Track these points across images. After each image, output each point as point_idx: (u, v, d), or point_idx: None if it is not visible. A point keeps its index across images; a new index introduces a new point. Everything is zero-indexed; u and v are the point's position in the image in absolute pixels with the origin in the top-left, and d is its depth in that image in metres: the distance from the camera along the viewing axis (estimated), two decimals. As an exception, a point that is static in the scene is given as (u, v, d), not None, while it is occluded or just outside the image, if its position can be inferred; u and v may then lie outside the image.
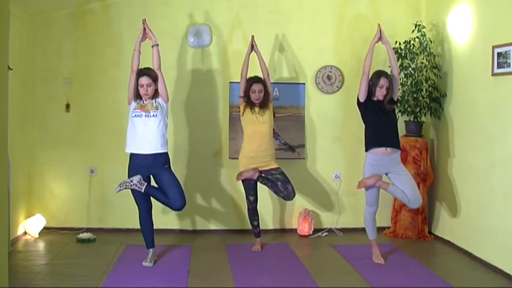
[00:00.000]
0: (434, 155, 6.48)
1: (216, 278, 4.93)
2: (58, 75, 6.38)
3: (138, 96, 5.21)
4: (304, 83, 6.62)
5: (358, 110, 5.50)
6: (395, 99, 5.50)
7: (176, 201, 5.18)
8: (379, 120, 5.36)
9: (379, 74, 5.39)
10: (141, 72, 5.18)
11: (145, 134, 5.13)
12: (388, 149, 5.30)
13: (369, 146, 5.38)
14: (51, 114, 6.42)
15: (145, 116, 5.14)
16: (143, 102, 5.19)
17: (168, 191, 5.19)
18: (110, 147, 6.39)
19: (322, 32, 6.63)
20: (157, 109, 5.18)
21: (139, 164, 5.18)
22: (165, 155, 5.28)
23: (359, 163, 5.74)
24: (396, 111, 5.95)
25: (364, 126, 5.50)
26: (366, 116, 5.45)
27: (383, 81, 5.31)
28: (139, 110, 5.16)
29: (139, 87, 5.17)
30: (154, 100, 5.22)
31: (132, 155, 5.24)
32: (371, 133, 5.40)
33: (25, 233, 6.16)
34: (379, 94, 5.34)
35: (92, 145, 6.46)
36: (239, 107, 5.87)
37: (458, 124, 5.93)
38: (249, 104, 5.73)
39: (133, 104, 5.21)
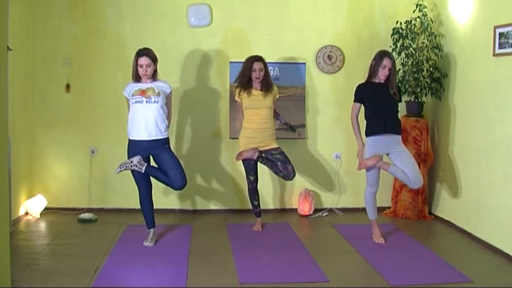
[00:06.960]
0: (435, 135, 6.48)
1: (217, 257, 4.95)
2: (58, 56, 6.34)
3: (137, 76, 5.20)
4: (304, 63, 6.59)
5: None
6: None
7: (177, 181, 5.18)
8: (379, 106, 5.31)
9: (383, 54, 5.33)
10: (141, 53, 5.16)
11: (146, 120, 5.11)
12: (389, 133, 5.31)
13: (369, 133, 5.35)
14: (51, 94, 6.39)
15: (146, 102, 5.12)
16: (143, 85, 5.18)
17: (168, 171, 5.19)
18: (110, 127, 6.39)
19: (323, 11, 6.57)
20: (159, 95, 5.16)
21: (138, 145, 5.18)
22: (165, 138, 5.29)
23: (359, 143, 5.73)
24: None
25: (364, 109, 5.47)
26: (367, 104, 5.39)
27: (386, 62, 5.26)
28: (139, 96, 5.14)
29: (139, 68, 5.15)
30: (156, 85, 5.21)
31: (131, 139, 5.25)
32: (372, 119, 5.35)
33: (26, 213, 6.19)
34: (382, 74, 5.30)
35: (93, 125, 6.45)
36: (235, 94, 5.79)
37: (459, 104, 5.91)
38: (247, 86, 5.66)
39: (132, 89, 5.20)
